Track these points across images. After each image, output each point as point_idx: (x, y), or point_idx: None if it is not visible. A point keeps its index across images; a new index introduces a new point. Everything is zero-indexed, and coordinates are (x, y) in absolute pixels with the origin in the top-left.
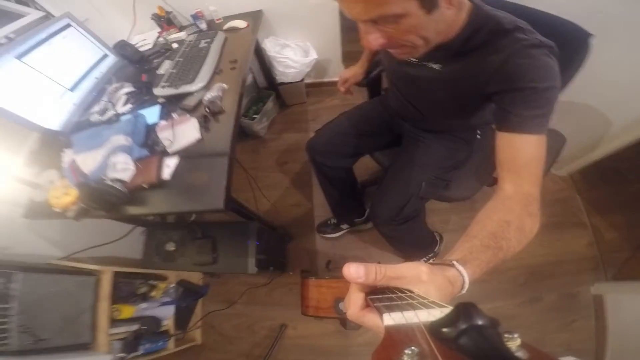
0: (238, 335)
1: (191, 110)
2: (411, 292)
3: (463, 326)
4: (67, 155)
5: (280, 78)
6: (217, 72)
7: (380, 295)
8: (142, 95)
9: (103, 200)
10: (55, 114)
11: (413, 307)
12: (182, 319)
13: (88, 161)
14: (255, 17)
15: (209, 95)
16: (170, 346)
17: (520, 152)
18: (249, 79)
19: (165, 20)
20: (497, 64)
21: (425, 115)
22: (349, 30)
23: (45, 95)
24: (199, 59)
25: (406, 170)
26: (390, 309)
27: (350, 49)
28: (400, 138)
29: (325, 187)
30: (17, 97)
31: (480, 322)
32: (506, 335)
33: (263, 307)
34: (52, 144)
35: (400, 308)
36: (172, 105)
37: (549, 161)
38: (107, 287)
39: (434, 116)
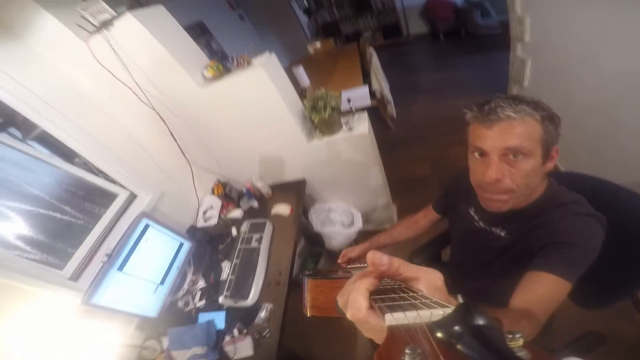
0: None
1: (247, 326)
2: (414, 291)
3: (465, 326)
4: (165, 344)
5: (327, 246)
6: (265, 286)
7: (382, 295)
8: (211, 294)
9: None
10: (152, 304)
11: (415, 307)
12: None
13: (179, 357)
14: (298, 187)
15: (258, 319)
16: None
17: (539, 286)
18: (301, 242)
19: (223, 197)
20: (550, 225)
21: (467, 282)
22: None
23: (143, 293)
24: (251, 266)
25: None
26: (393, 308)
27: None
28: None
29: None
30: (123, 298)
31: (481, 322)
32: (508, 336)
33: None
34: (152, 324)
35: (403, 308)
36: (234, 312)
37: None
38: None
39: (476, 285)
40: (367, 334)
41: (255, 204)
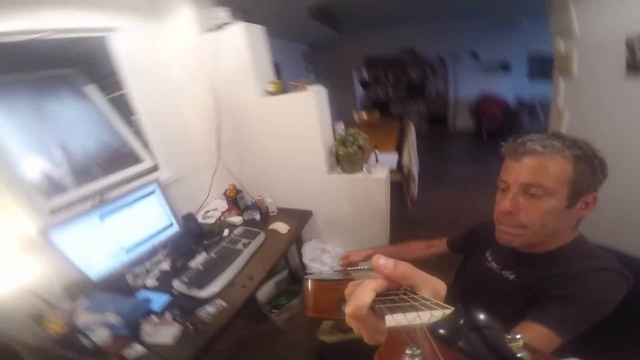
0: None
1: (185, 316)
2: (414, 293)
3: (465, 327)
4: (80, 304)
5: None
6: (230, 285)
7: (382, 297)
8: (168, 278)
9: (74, 347)
10: (102, 267)
11: (415, 308)
12: None
13: (83, 318)
14: (303, 216)
15: (202, 311)
16: None
17: (525, 334)
18: (285, 273)
19: (232, 201)
20: (568, 276)
21: None
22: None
23: (104, 252)
24: (226, 263)
25: None
26: (393, 310)
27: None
28: None
29: None
30: (81, 248)
31: (482, 323)
32: (509, 337)
33: None
34: (83, 287)
35: (403, 309)
36: (180, 300)
37: None
38: None
39: None
40: (360, 333)
41: (257, 216)
